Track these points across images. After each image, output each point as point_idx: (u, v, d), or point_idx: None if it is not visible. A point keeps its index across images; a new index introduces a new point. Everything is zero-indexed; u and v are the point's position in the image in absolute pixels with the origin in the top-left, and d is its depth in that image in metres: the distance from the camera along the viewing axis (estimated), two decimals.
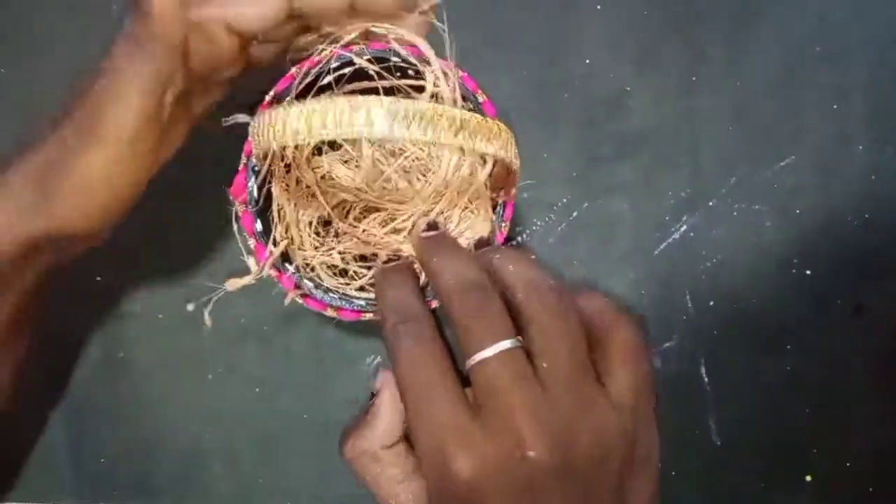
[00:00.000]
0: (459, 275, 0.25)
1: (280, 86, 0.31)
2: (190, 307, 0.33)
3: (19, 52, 0.38)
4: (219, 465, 0.37)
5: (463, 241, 0.33)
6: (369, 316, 0.32)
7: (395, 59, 0.32)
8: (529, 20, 0.39)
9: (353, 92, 0.34)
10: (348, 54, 0.32)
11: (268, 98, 0.31)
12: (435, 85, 0.31)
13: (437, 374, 0.24)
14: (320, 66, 0.31)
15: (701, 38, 0.39)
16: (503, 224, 0.32)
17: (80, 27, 0.38)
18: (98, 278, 0.37)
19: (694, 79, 0.39)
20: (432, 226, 0.29)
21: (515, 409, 0.23)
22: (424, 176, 0.36)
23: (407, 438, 0.30)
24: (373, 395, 0.31)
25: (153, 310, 0.37)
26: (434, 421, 0.23)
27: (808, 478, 0.37)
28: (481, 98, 0.32)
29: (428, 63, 0.31)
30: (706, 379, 0.37)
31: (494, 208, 0.32)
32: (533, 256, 0.29)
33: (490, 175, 0.33)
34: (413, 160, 0.36)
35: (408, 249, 0.34)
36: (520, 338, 0.24)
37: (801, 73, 0.39)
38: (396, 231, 0.35)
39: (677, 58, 0.39)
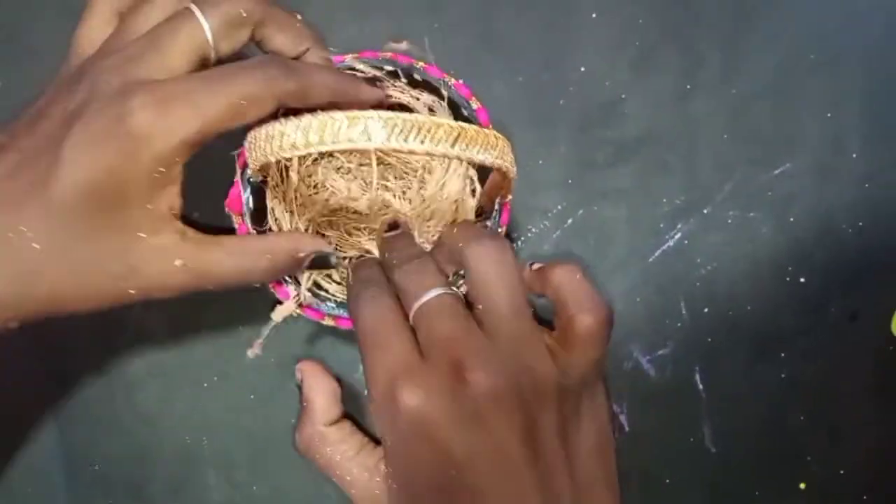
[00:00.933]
0: (403, 251, 0.29)
1: None
2: (250, 353, 0.34)
3: (14, 58, 0.38)
4: (213, 473, 0.37)
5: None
6: None
7: (388, 67, 0.32)
8: (525, 26, 0.39)
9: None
10: (346, 62, 0.32)
11: None
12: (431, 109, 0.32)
13: (391, 324, 0.26)
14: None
15: (696, 45, 0.39)
16: (500, 229, 0.32)
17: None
18: None
19: (689, 86, 0.39)
20: (393, 225, 0.31)
21: (452, 340, 0.25)
22: (421, 195, 0.36)
23: (349, 417, 0.33)
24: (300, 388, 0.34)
25: (148, 316, 0.37)
26: (386, 363, 0.25)
27: (803, 485, 0.37)
28: (475, 105, 0.33)
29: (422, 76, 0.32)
30: (700, 386, 0.37)
31: (491, 213, 0.33)
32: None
33: (485, 176, 0.33)
34: (410, 179, 0.36)
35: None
36: (454, 287, 0.28)
37: (796, 81, 0.39)
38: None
39: (672, 65, 0.39)
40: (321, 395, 0.33)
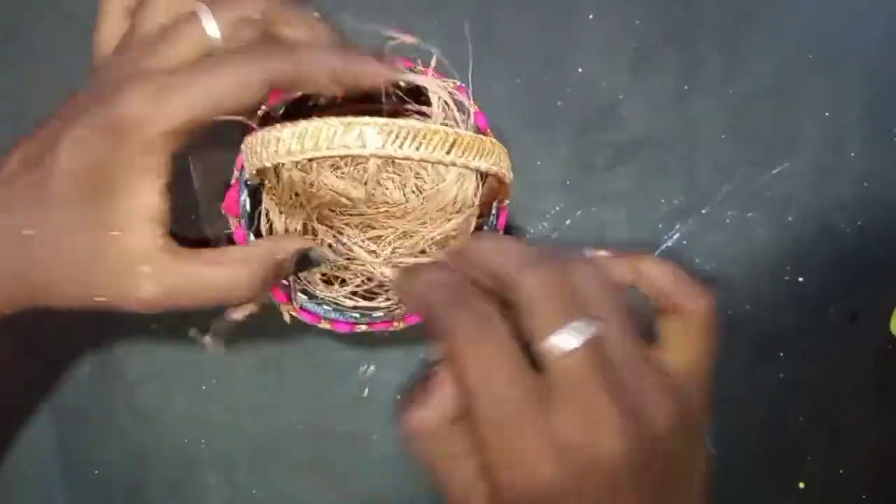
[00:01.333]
0: (523, 252, 0.23)
1: (271, 100, 0.31)
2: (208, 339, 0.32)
3: (13, 60, 0.38)
4: (213, 475, 0.37)
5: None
6: (363, 328, 0.32)
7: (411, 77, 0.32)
8: (524, 27, 0.39)
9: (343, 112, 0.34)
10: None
11: (260, 112, 0.31)
12: (445, 115, 0.32)
13: (519, 381, 0.21)
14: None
15: (694, 46, 0.39)
16: (497, 232, 0.32)
17: (75, 35, 0.38)
18: None
19: (687, 87, 0.39)
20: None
21: (596, 396, 0.20)
22: (419, 192, 0.36)
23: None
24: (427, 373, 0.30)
25: (147, 319, 0.37)
26: (503, 397, 0.21)
27: (802, 485, 0.37)
28: (473, 109, 0.33)
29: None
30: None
31: (488, 215, 0.33)
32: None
33: (483, 183, 0.33)
34: (410, 178, 0.36)
35: (382, 269, 0.34)
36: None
37: (795, 81, 0.39)
38: (376, 239, 0.35)
39: (670, 66, 0.39)
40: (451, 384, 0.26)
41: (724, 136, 0.38)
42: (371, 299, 0.34)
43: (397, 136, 0.24)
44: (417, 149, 0.24)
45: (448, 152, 0.24)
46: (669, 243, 0.38)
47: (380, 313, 0.33)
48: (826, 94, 0.39)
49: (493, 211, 0.32)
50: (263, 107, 0.31)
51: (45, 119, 0.28)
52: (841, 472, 0.37)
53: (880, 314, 0.38)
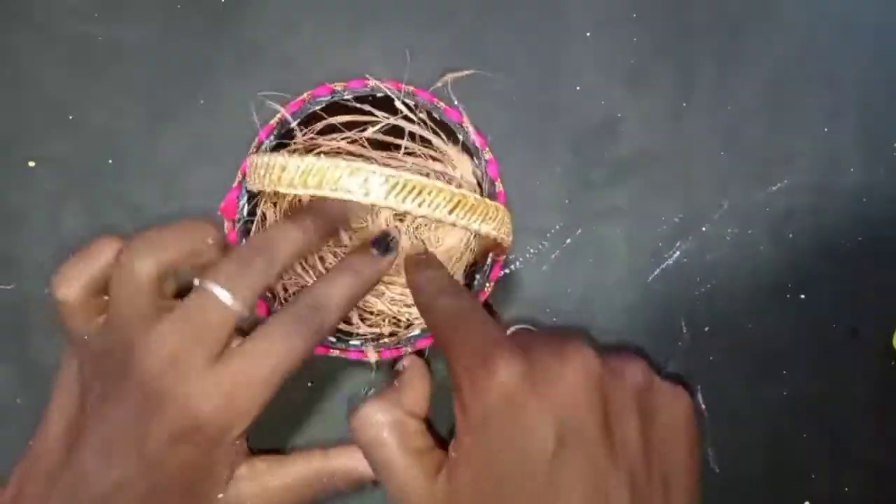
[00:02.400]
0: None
1: (291, 107, 0.32)
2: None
3: (0, 84, 0.37)
4: None
5: None
6: (336, 353, 0.32)
7: (409, 101, 0.32)
8: (520, 46, 0.38)
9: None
10: (364, 88, 0.32)
11: (274, 120, 0.31)
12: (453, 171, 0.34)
13: (481, 310, 0.28)
14: (333, 95, 0.32)
15: (691, 62, 0.39)
16: (488, 284, 0.32)
17: (61, 59, 0.37)
18: None
19: (684, 104, 0.38)
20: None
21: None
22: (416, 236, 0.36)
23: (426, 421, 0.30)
24: (394, 377, 0.32)
25: None
26: (481, 335, 0.26)
27: (808, 503, 0.37)
28: (487, 156, 0.33)
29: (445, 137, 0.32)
30: (703, 406, 0.37)
31: (482, 266, 0.32)
32: None
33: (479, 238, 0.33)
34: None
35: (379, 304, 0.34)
36: None
37: (791, 96, 0.39)
38: None
39: (667, 82, 0.39)
40: (422, 384, 0.31)
41: (723, 152, 0.38)
42: (348, 323, 0.34)
43: (402, 189, 0.23)
44: (420, 205, 0.24)
45: (451, 212, 0.24)
46: (670, 261, 0.38)
47: (356, 341, 0.33)
48: (823, 109, 0.39)
49: (488, 262, 0.32)
50: (278, 117, 0.31)
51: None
52: (846, 489, 0.37)
53: (882, 329, 0.38)
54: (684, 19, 0.39)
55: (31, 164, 0.37)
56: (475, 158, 0.33)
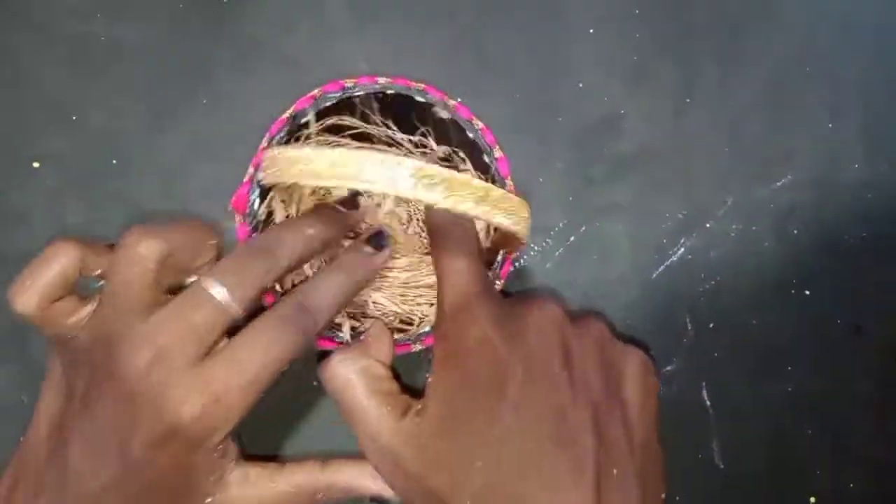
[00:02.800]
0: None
1: (300, 104, 0.31)
2: None
3: (2, 85, 0.37)
4: None
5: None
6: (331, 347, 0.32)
7: (419, 98, 0.32)
8: (521, 43, 0.38)
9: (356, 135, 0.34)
10: (375, 85, 0.32)
11: (286, 115, 0.31)
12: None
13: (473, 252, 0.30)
14: (344, 91, 0.32)
15: (693, 59, 0.39)
16: (499, 281, 0.32)
17: (63, 59, 0.37)
18: None
19: (688, 100, 0.38)
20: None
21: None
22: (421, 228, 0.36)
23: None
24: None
25: None
26: (464, 280, 0.29)
27: (813, 499, 0.37)
28: (497, 154, 0.33)
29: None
30: (708, 402, 0.37)
31: (493, 263, 0.32)
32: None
33: (494, 231, 0.33)
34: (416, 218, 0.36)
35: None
36: None
37: (794, 92, 0.39)
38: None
39: (670, 78, 0.39)
40: (386, 337, 0.31)
41: (726, 149, 0.38)
42: (358, 319, 0.34)
43: (430, 181, 0.23)
44: (446, 197, 0.23)
45: (476, 204, 0.24)
46: (674, 258, 0.38)
47: (344, 335, 0.32)
48: (825, 105, 0.39)
49: (499, 258, 0.32)
50: (291, 110, 0.31)
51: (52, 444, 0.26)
52: (851, 485, 0.37)
53: (886, 325, 0.38)
54: (686, 16, 0.39)
55: (36, 164, 0.36)
56: (485, 156, 0.33)
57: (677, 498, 0.36)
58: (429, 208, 0.31)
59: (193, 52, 0.37)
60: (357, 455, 0.30)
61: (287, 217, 0.33)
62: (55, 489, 0.25)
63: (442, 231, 0.30)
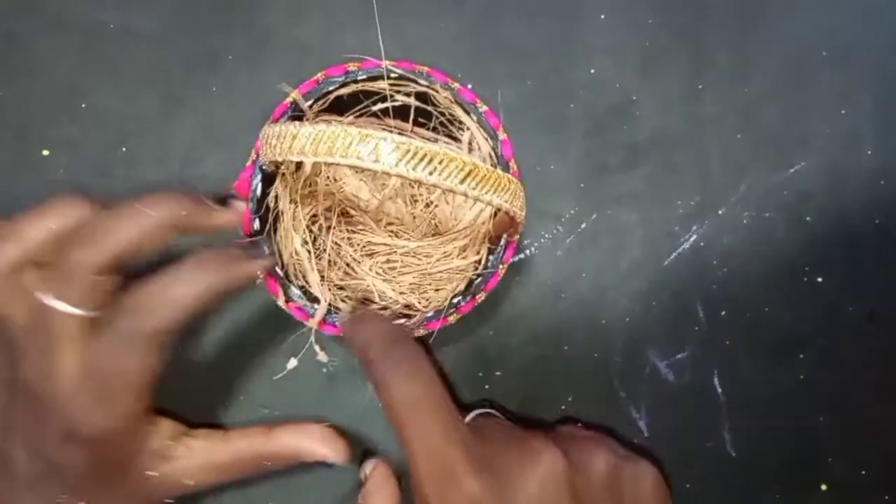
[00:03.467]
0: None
1: (304, 87, 0.31)
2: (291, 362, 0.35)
3: (14, 73, 0.37)
4: (231, 488, 0.36)
5: (454, 274, 0.33)
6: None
7: (422, 81, 0.32)
8: (532, 30, 0.38)
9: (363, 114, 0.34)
10: (378, 69, 0.32)
11: (289, 100, 0.31)
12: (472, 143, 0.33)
13: (441, 398, 0.27)
14: (347, 75, 0.31)
15: (706, 44, 0.38)
16: (501, 266, 0.32)
17: (74, 47, 0.37)
18: None
19: (700, 86, 0.38)
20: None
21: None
22: (428, 208, 0.36)
23: None
24: (360, 487, 0.33)
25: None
26: (442, 444, 0.26)
27: (824, 487, 0.37)
28: (501, 136, 0.32)
29: (464, 110, 0.32)
30: (719, 390, 0.37)
31: (496, 247, 0.32)
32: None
33: (493, 217, 0.33)
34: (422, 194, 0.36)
35: (374, 283, 0.34)
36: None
37: (808, 78, 0.39)
38: (371, 255, 0.35)
39: (682, 65, 0.38)
40: (387, 489, 0.32)
41: (739, 135, 0.38)
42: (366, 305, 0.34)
43: (413, 157, 0.23)
44: (431, 173, 0.23)
45: (462, 182, 0.24)
46: (686, 245, 0.37)
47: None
48: (839, 90, 0.39)
49: (502, 243, 0.32)
50: (296, 91, 0.31)
51: None
52: (863, 472, 0.37)
53: None
54: (699, 2, 0.39)
55: (46, 152, 0.37)
56: (489, 139, 0.33)
57: (688, 486, 0.36)
58: (352, 321, 0.30)
59: (204, 40, 0.37)
60: (303, 420, 0.32)
61: (291, 203, 0.33)
62: (6, 471, 0.26)
63: (364, 349, 0.28)
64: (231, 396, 0.36)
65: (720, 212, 0.38)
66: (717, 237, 0.38)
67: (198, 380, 0.35)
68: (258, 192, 0.31)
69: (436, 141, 0.35)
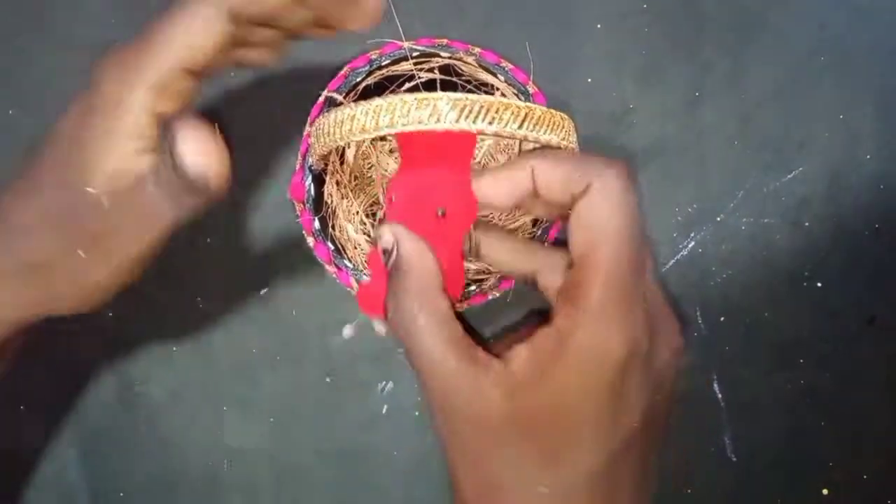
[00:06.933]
0: None
1: (332, 85, 0.32)
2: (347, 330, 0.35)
3: (25, 91, 0.38)
4: (238, 498, 0.37)
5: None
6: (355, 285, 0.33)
7: (443, 53, 0.33)
8: (532, 39, 0.39)
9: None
10: (400, 51, 0.33)
11: (322, 98, 0.32)
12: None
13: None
14: (371, 64, 0.32)
15: (703, 51, 0.39)
16: (546, 244, 0.33)
17: (83, 65, 0.38)
18: (109, 313, 0.37)
19: (697, 93, 0.38)
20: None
21: None
22: None
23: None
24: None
25: (167, 343, 0.37)
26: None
27: (825, 491, 0.37)
28: (531, 89, 0.34)
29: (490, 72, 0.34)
30: (719, 395, 0.37)
31: (542, 224, 0.33)
32: None
33: None
34: None
35: None
36: None
37: (806, 84, 0.39)
38: None
39: (680, 72, 0.39)
40: (427, 254, 0.25)
41: (737, 141, 0.38)
42: None
43: (471, 111, 0.23)
44: (490, 123, 0.24)
45: (520, 126, 0.24)
46: (685, 251, 0.38)
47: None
48: (838, 96, 0.39)
49: (546, 223, 0.33)
50: (325, 92, 0.32)
51: None
52: (864, 477, 0.37)
53: None
54: (696, 9, 0.39)
55: None
56: (521, 95, 0.33)
57: (689, 491, 0.37)
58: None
59: None
60: None
61: (342, 198, 0.34)
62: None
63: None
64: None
65: (719, 218, 0.38)
66: (715, 243, 0.38)
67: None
68: (311, 192, 0.32)
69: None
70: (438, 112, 0.23)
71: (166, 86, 0.24)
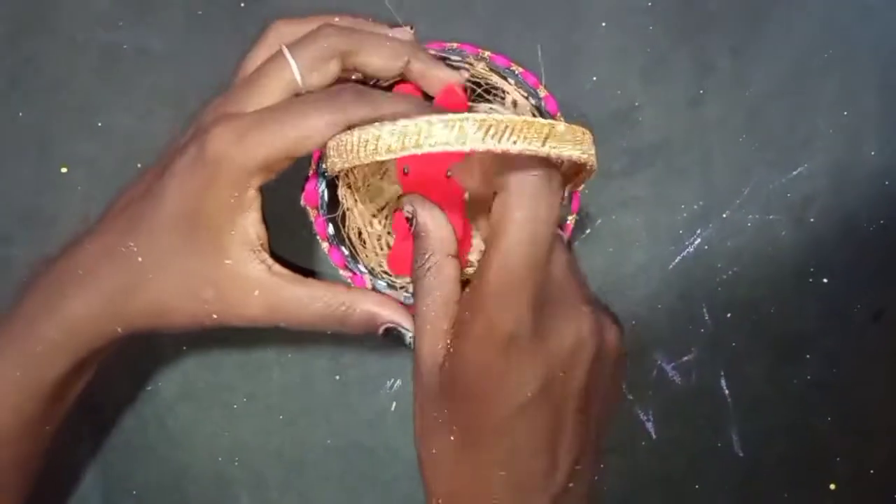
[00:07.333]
0: None
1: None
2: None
3: (33, 93, 0.38)
4: (246, 495, 0.38)
5: None
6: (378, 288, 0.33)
7: (454, 57, 0.33)
8: (535, 38, 0.39)
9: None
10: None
11: None
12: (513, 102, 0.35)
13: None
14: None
15: (707, 48, 0.39)
16: (570, 216, 0.33)
17: (89, 67, 0.38)
18: None
19: (702, 91, 0.38)
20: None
21: None
22: None
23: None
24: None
25: (178, 342, 0.37)
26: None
27: (833, 486, 0.37)
28: (542, 93, 0.34)
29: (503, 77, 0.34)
30: (726, 391, 0.37)
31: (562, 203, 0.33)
32: None
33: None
34: None
35: None
36: None
37: (810, 80, 0.39)
38: None
39: (684, 70, 0.39)
40: (441, 220, 0.29)
41: (741, 138, 0.38)
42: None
43: (496, 132, 0.24)
44: (515, 142, 0.24)
45: (543, 143, 0.24)
46: (691, 248, 0.38)
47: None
48: (842, 92, 0.39)
49: (566, 193, 0.33)
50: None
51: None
52: (871, 471, 0.37)
53: None
54: (700, 5, 0.39)
55: (64, 169, 0.38)
56: (531, 98, 0.34)
57: (696, 486, 0.37)
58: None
59: (215, 55, 0.38)
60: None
61: (356, 202, 0.35)
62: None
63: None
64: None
65: (724, 215, 0.38)
66: (721, 240, 0.38)
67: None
68: (325, 198, 0.32)
69: (490, 111, 0.36)
70: (465, 134, 0.24)
71: (273, 168, 0.28)
